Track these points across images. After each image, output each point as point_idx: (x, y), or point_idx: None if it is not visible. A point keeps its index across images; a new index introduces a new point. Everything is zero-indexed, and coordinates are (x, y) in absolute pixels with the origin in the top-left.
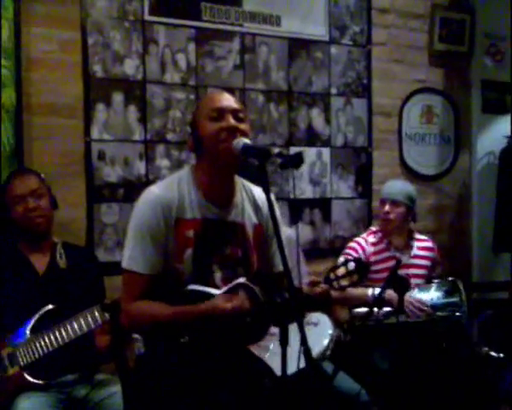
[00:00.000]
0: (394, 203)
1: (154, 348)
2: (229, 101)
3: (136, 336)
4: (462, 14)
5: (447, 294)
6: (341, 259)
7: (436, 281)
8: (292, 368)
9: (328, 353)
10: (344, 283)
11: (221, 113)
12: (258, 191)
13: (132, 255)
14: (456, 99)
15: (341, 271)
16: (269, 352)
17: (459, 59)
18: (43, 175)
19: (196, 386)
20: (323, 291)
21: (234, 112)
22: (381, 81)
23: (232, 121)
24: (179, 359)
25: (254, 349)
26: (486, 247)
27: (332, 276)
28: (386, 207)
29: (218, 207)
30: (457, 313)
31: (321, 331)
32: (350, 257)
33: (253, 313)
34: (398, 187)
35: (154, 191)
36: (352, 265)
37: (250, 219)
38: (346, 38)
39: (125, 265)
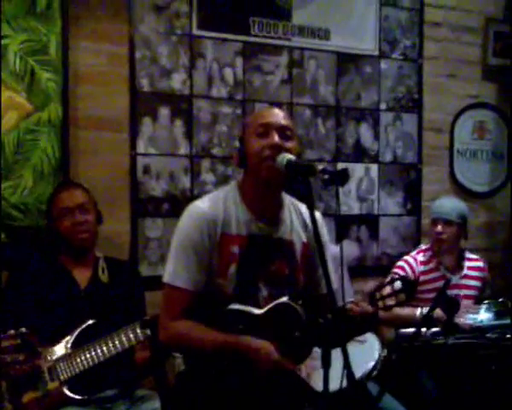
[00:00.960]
0: (447, 223)
1: (194, 365)
2: (276, 117)
3: (176, 353)
4: None
5: (497, 315)
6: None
7: (486, 302)
8: (335, 386)
9: (375, 373)
10: (390, 302)
11: (267, 129)
12: (305, 209)
13: (175, 270)
14: (509, 114)
15: (387, 290)
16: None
17: None
18: (89, 189)
19: (235, 407)
20: (371, 312)
21: (280, 129)
22: (433, 96)
23: (276, 139)
24: (219, 378)
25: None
26: None
27: (377, 295)
28: (439, 228)
29: (264, 223)
30: (508, 335)
31: (367, 350)
32: (397, 276)
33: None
34: (450, 205)
35: (199, 206)
36: (398, 284)
37: (299, 236)
38: (397, 52)
39: (167, 280)
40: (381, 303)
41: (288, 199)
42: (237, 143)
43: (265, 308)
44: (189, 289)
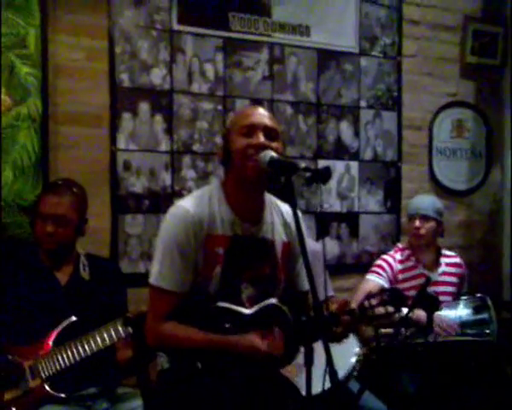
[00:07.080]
0: (424, 218)
1: (176, 364)
2: (261, 117)
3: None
4: (495, 27)
5: (476, 311)
6: (368, 277)
7: (464, 298)
8: (317, 388)
9: (355, 373)
10: (378, 312)
11: (251, 129)
12: (285, 208)
13: (161, 272)
14: (487, 113)
15: (376, 300)
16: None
17: (491, 72)
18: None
19: (219, 405)
20: (349, 322)
21: (265, 129)
22: (412, 94)
23: (261, 139)
24: (201, 377)
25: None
26: None
27: (367, 304)
28: (417, 223)
29: (248, 223)
30: (487, 330)
31: (346, 349)
32: (378, 275)
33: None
34: (426, 202)
35: (184, 207)
36: (387, 295)
37: (280, 236)
38: (376, 49)
39: (153, 281)
40: (369, 312)
41: (269, 198)
42: (221, 141)
43: (254, 308)
44: (176, 290)
